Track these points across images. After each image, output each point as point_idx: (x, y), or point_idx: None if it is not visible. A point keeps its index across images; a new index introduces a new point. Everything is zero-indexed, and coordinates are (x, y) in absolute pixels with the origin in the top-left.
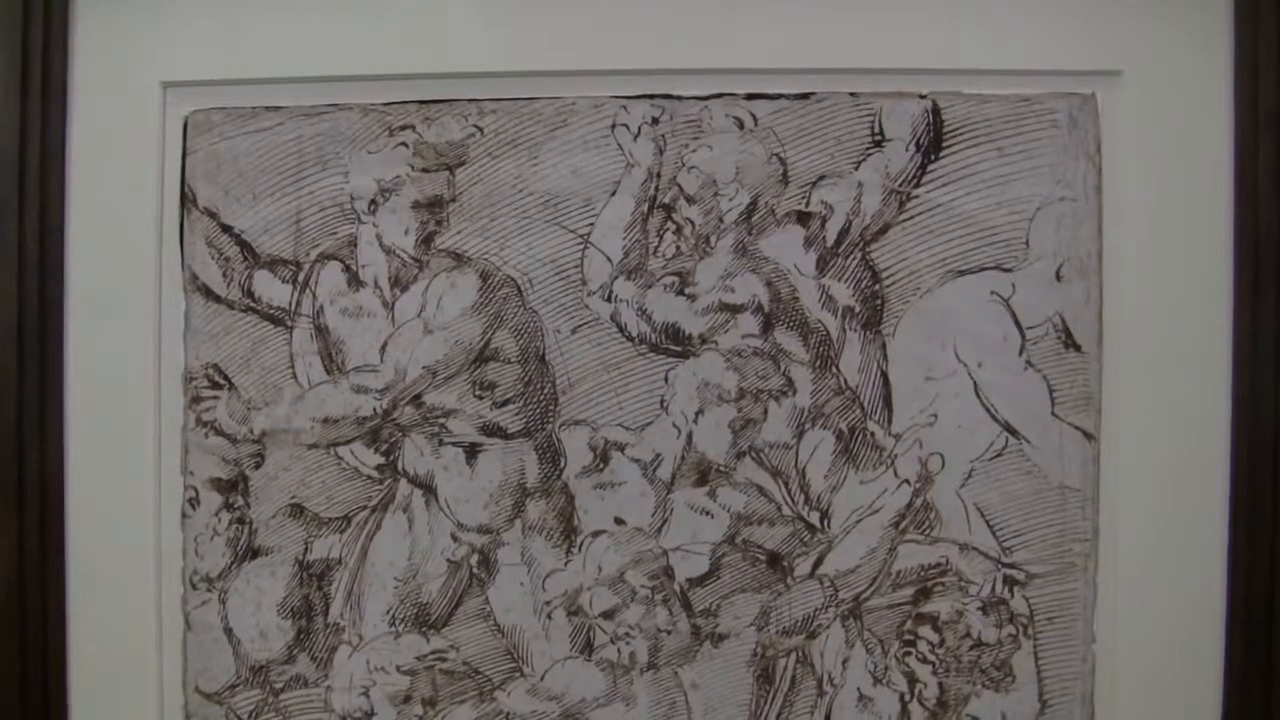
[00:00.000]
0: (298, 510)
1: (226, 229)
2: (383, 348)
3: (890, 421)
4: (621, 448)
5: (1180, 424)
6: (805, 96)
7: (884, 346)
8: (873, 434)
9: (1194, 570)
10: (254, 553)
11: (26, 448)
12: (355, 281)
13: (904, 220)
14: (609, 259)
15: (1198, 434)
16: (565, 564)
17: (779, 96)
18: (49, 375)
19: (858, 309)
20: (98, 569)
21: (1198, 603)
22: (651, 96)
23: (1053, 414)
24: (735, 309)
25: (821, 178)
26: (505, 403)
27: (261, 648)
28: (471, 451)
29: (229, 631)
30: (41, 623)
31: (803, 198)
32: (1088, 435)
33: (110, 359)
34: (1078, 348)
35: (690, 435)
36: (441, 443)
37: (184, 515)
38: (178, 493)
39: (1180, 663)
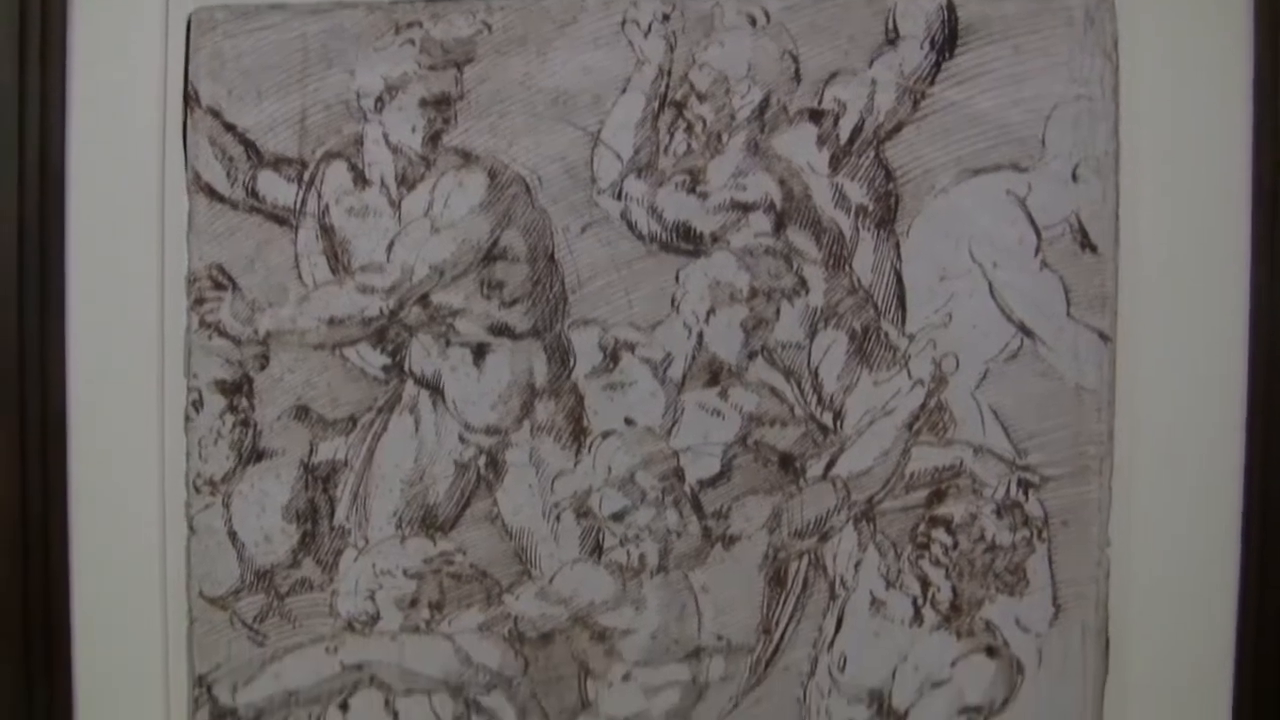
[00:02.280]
0: (303, 412)
1: (230, 128)
2: (389, 247)
3: (904, 322)
4: (632, 347)
5: (1197, 325)
6: None
7: (898, 246)
8: (886, 334)
9: (1210, 472)
10: (258, 455)
11: (28, 352)
12: (361, 180)
13: (918, 119)
14: (619, 157)
15: (1215, 334)
16: (574, 465)
17: None
18: (50, 279)
19: (871, 208)
20: (100, 475)
21: (1214, 505)
22: None
23: (1068, 315)
24: (747, 207)
25: (834, 75)
26: (514, 302)
27: (266, 552)
28: (479, 351)
29: (233, 535)
30: (44, 530)
31: (815, 95)
32: (1104, 336)
33: (112, 261)
34: (1094, 248)
35: (701, 335)
36: (449, 343)
37: (187, 418)
38: (181, 396)
39: (1196, 566)
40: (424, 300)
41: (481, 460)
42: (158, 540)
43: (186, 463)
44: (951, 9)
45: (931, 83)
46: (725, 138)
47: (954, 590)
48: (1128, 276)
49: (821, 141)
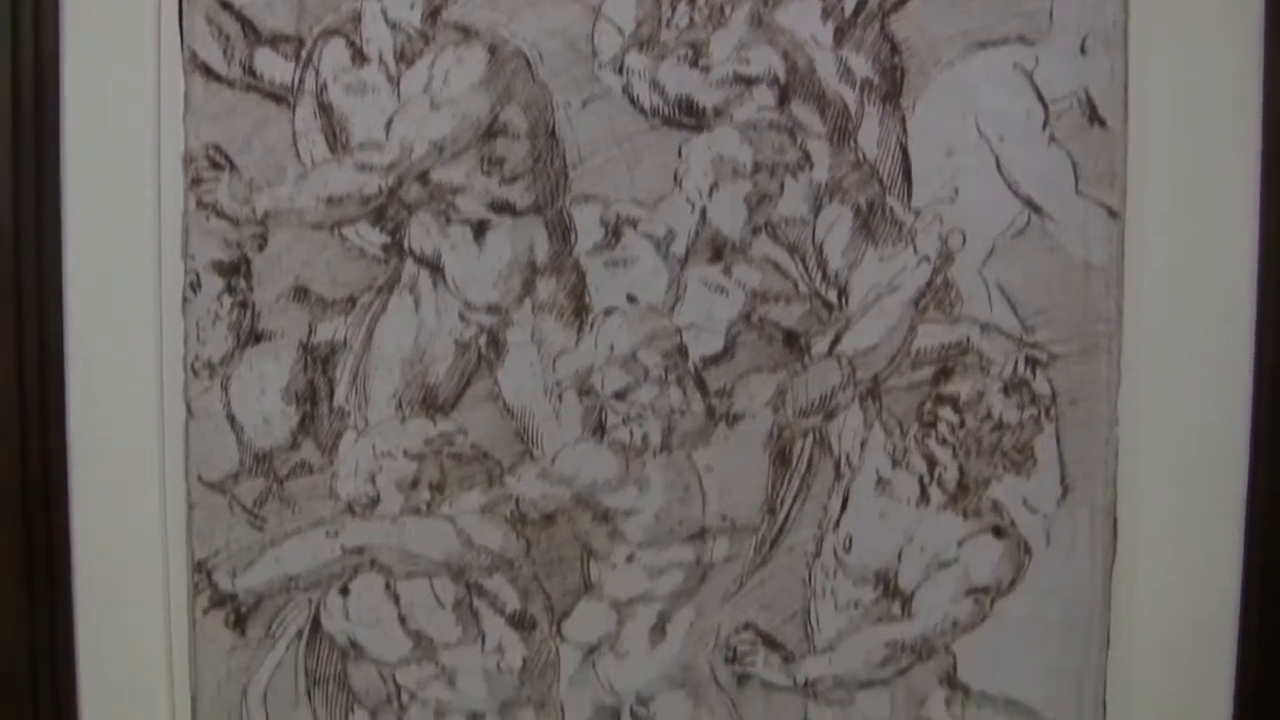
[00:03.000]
0: (302, 293)
1: (226, 6)
2: (388, 124)
3: (910, 197)
4: (634, 223)
5: (1207, 200)
6: None
7: (903, 120)
8: (892, 209)
9: (1220, 350)
10: (257, 337)
11: (23, 235)
12: (360, 57)
13: None
14: (620, 30)
15: (1224, 210)
16: (576, 343)
17: None
18: (44, 161)
19: (876, 82)
20: (97, 357)
21: (1224, 383)
22: None
23: (1076, 191)
24: (750, 81)
25: None
26: (514, 179)
27: (265, 434)
28: (480, 229)
29: (232, 419)
30: (41, 416)
31: None
32: (1112, 213)
33: (108, 143)
34: (1102, 123)
35: (704, 210)
36: (449, 220)
37: (185, 300)
38: (178, 278)
39: (1205, 444)
40: (423, 178)
41: (482, 339)
42: (156, 424)
43: (184, 346)
44: None
45: None
46: (728, 10)
47: (961, 469)
48: (1137, 152)
49: (826, 14)
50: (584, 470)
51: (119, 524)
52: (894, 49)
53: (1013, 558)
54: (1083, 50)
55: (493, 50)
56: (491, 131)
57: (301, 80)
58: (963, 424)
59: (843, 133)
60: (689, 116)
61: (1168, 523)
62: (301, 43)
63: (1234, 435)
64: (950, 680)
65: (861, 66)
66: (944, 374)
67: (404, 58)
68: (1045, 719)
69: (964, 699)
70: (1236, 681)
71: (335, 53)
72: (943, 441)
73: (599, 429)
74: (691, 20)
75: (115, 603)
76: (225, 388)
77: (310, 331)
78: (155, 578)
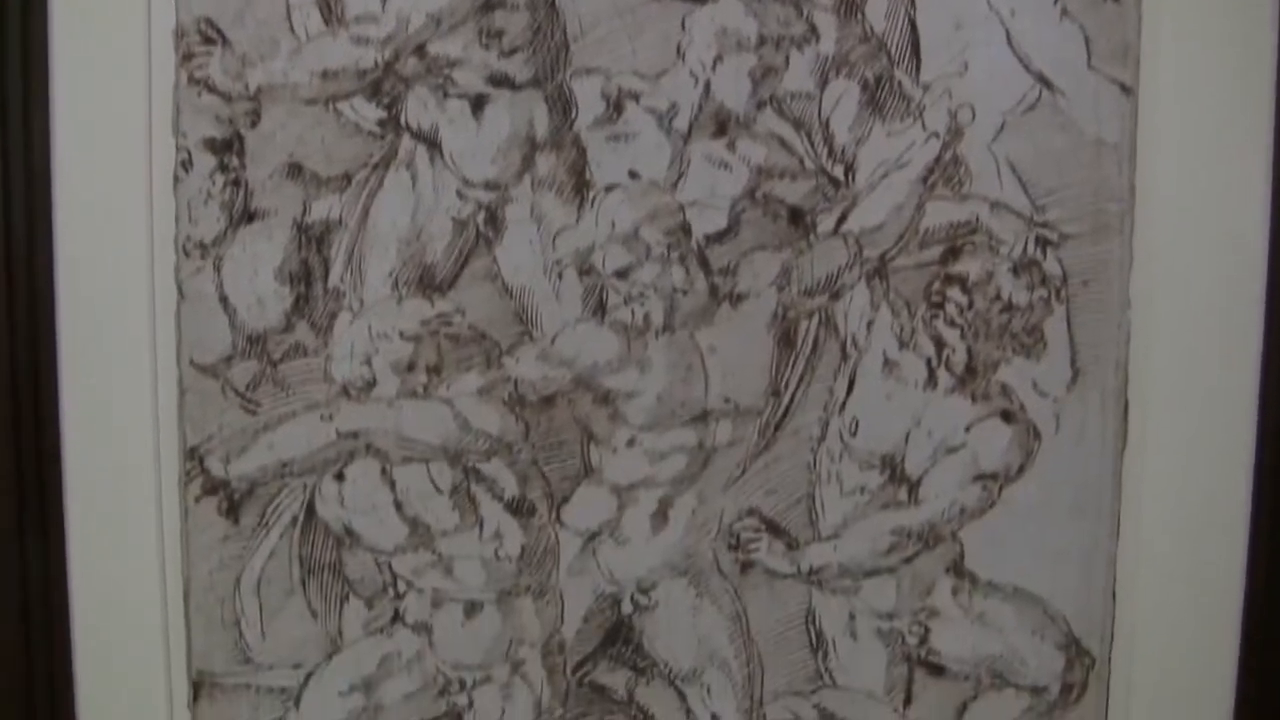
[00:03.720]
0: (296, 170)
1: None
2: None
3: (918, 71)
4: (636, 97)
5: (1222, 75)
6: None
7: None
8: (900, 84)
9: (1234, 228)
10: (250, 216)
11: (9, 106)
12: None
13: None
14: None
15: (1240, 84)
16: (576, 221)
17: None
18: (32, 37)
19: None
20: (86, 238)
21: (1238, 262)
22: None
23: (1089, 66)
24: None
25: None
26: (513, 51)
27: (258, 316)
28: (478, 103)
29: (224, 300)
30: (29, 296)
31: None
32: (1125, 88)
33: (96, 14)
34: None
35: (708, 84)
36: (446, 95)
37: (176, 179)
38: (169, 156)
39: (1218, 327)
40: (420, 51)
41: (480, 217)
42: (146, 307)
43: (175, 226)
44: None
45: None
46: None
47: (969, 352)
48: (1150, 25)
49: None
50: (584, 351)
51: (109, 410)
52: None
53: (1022, 443)
54: None
55: None
56: (490, 3)
57: None
58: (971, 305)
59: (850, 4)
60: None
61: (1179, 408)
62: None
63: (1248, 316)
64: (957, 568)
65: None
66: (952, 254)
67: None
68: (1053, 607)
69: (971, 587)
70: (1248, 567)
71: None
72: (951, 323)
73: (600, 309)
74: None
75: (105, 490)
76: (217, 269)
77: (305, 210)
78: (146, 465)
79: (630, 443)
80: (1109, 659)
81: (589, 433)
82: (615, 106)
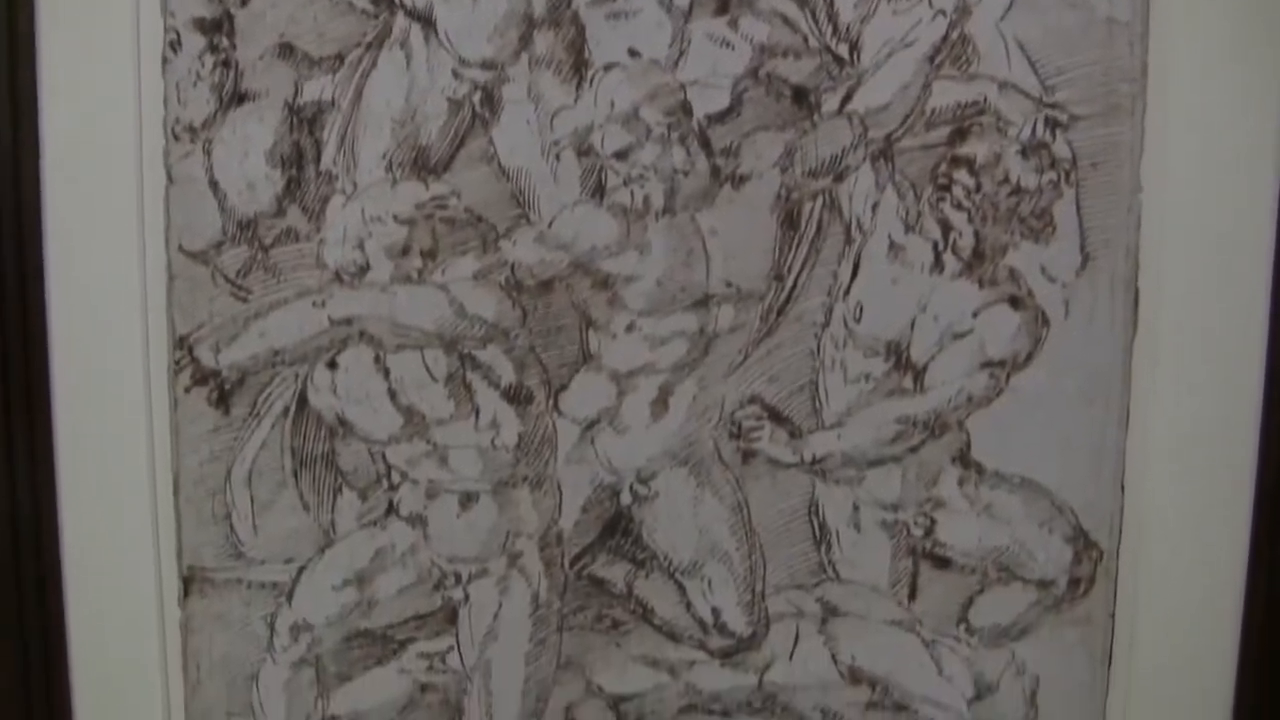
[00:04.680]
0: (287, 50)
1: None
2: None
3: None
4: None
5: None
6: None
7: None
8: None
9: (1250, 109)
10: (240, 98)
11: None
12: None
13: None
14: None
15: None
16: (575, 100)
17: None
18: None
19: None
20: (72, 121)
21: (1253, 145)
22: None
23: None
24: None
25: None
26: None
27: (249, 200)
28: None
29: (214, 184)
30: (15, 183)
31: None
32: None
33: None
34: None
35: None
36: None
37: (164, 61)
38: (157, 36)
39: (1232, 210)
40: None
41: (476, 96)
42: (134, 192)
43: (164, 108)
44: None
45: None
46: None
47: (976, 235)
48: None
49: None
50: (583, 234)
51: (97, 299)
52: None
53: (1030, 329)
54: None
55: None
56: None
57: None
58: (979, 188)
59: None
60: None
61: (1191, 294)
62: None
63: (1262, 198)
64: (964, 458)
65: None
66: (959, 135)
67: None
68: (1061, 499)
69: (977, 478)
70: (1259, 457)
71: None
72: (958, 206)
73: (598, 190)
74: None
75: (93, 382)
76: (207, 152)
77: (296, 91)
78: (135, 355)
79: (630, 328)
80: (1117, 552)
81: (587, 318)
82: None
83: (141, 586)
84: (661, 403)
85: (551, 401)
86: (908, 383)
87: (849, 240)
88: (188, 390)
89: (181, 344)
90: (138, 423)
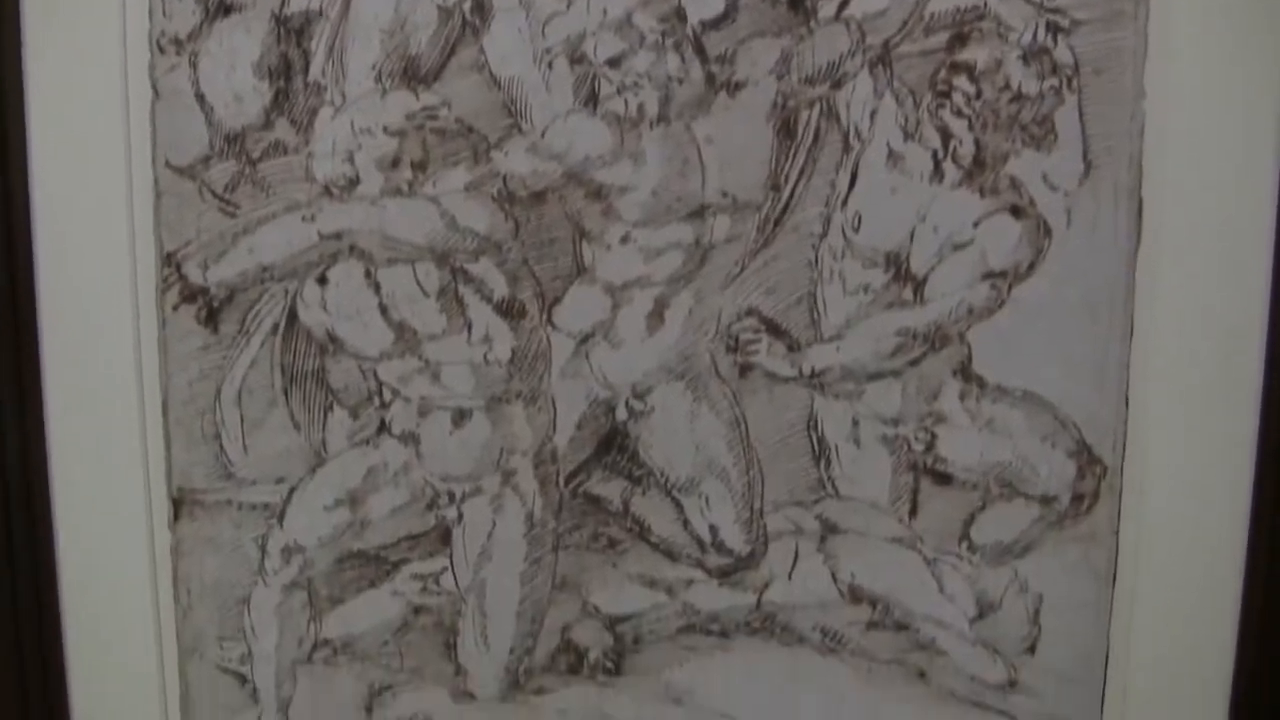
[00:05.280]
0: None
1: None
2: None
3: None
4: None
5: None
6: None
7: None
8: None
9: (1255, 14)
10: (226, 9)
11: None
12: None
13: None
14: None
15: None
16: (567, 7)
17: None
18: None
19: None
20: (56, 35)
21: (1257, 52)
22: None
23: None
24: None
25: None
26: None
27: (236, 113)
28: None
29: (201, 98)
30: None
31: None
32: None
33: None
34: None
35: None
36: None
37: None
38: None
39: (1238, 115)
40: None
41: (466, 4)
42: (119, 107)
43: (149, 20)
44: None
45: None
46: None
47: (977, 143)
48: None
49: None
50: (576, 144)
51: (83, 215)
52: None
53: (1031, 239)
54: None
55: None
56: None
57: None
58: (979, 94)
59: None
60: None
61: (1194, 204)
62: None
63: (1268, 103)
64: (965, 371)
65: None
66: (959, 40)
67: None
68: (1064, 413)
69: (979, 391)
70: (1265, 369)
71: None
72: (958, 113)
73: (592, 99)
74: None
75: (80, 299)
76: (193, 65)
77: (283, 1)
78: (122, 272)
79: (624, 239)
80: (1121, 468)
81: (581, 229)
82: None
83: (131, 510)
84: (657, 316)
85: (545, 315)
86: (907, 294)
87: (847, 149)
88: (176, 308)
89: (169, 261)
90: (125, 342)
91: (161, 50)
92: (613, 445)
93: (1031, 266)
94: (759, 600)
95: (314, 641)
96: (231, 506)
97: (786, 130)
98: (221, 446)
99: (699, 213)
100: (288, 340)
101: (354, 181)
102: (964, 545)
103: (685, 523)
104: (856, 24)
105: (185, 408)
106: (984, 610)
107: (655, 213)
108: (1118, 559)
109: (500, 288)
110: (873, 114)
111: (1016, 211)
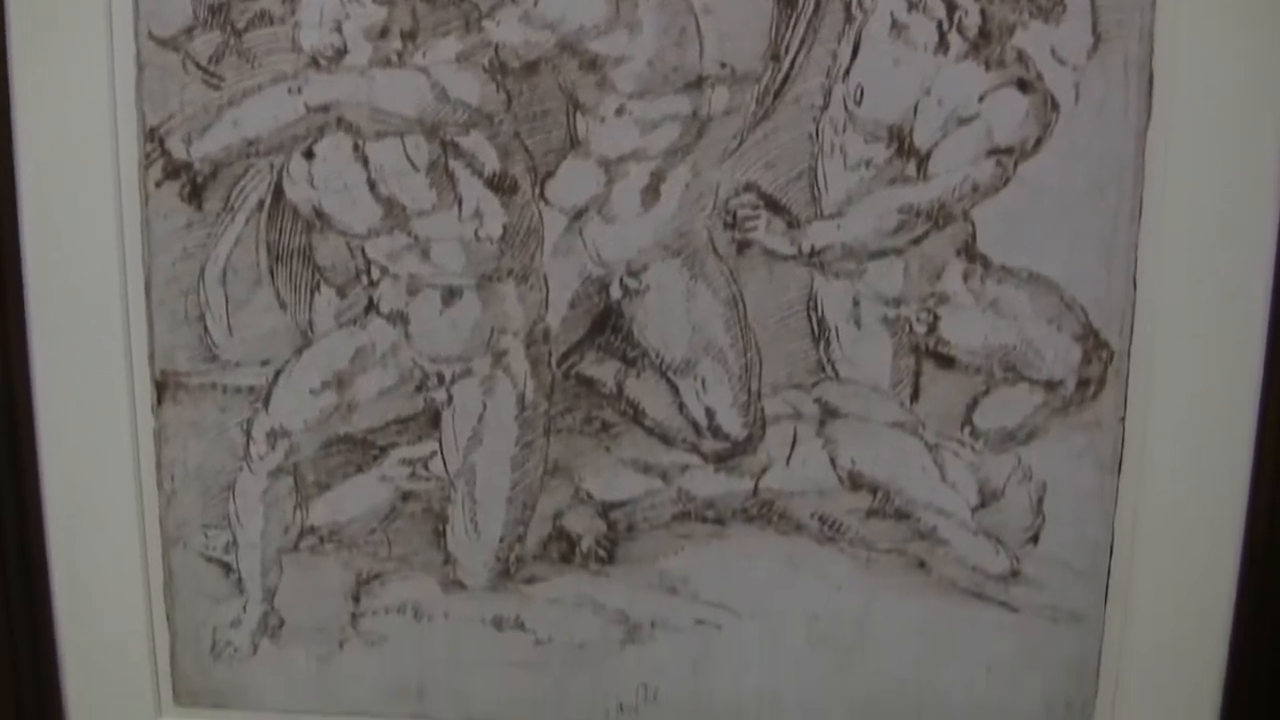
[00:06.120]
0: None
1: None
2: None
3: None
4: None
5: None
6: None
7: None
8: None
9: None
10: None
11: None
12: None
13: None
14: None
15: None
16: None
17: None
18: None
19: None
20: None
21: None
22: None
23: None
24: None
25: None
26: None
27: None
28: None
29: None
30: None
31: None
32: None
33: None
34: None
35: None
36: None
37: None
38: None
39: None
40: None
41: None
42: None
43: None
44: None
45: None
46: None
47: (983, 14)
48: None
49: None
50: (570, 12)
51: (63, 90)
52: None
53: (1038, 114)
54: None
55: None
56: None
57: None
58: None
59: None
60: None
61: (1208, 77)
62: None
63: None
64: (969, 251)
65: None
66: None
67: None
68: (1070, 295)
69: (983, 272)
70: (1279, 253)
71: None
72: None
73: None
74: None
75: (61, 175)
76: None
77: None
78: (103, 148)
79: (619, 111)
80: (1129, 353)
81: (575, 101)
82: None
83: (113, 394)
84: (653, 190)
85: (537, 190)
86: (910, 170)
87: (849, 19)
88: (159, 185)
89: (152, 136)
90: (107, 221)
91: None
92: (607, 325)
93: (1038, 143)
94: (756, 487)
95: (300, 529)
96: (216, 390)
97: None
98: (206, 328)
99: (696, 84)
100: (273, 217)
101: (341, 52)
102: (966, 431)
103: (681, 406)
104: None
105: (168, 288)
106: (986, 499)
107: (651, 84)
108: (1124, 447)
109: (491, 161)
110: None
111: (1023, 85)
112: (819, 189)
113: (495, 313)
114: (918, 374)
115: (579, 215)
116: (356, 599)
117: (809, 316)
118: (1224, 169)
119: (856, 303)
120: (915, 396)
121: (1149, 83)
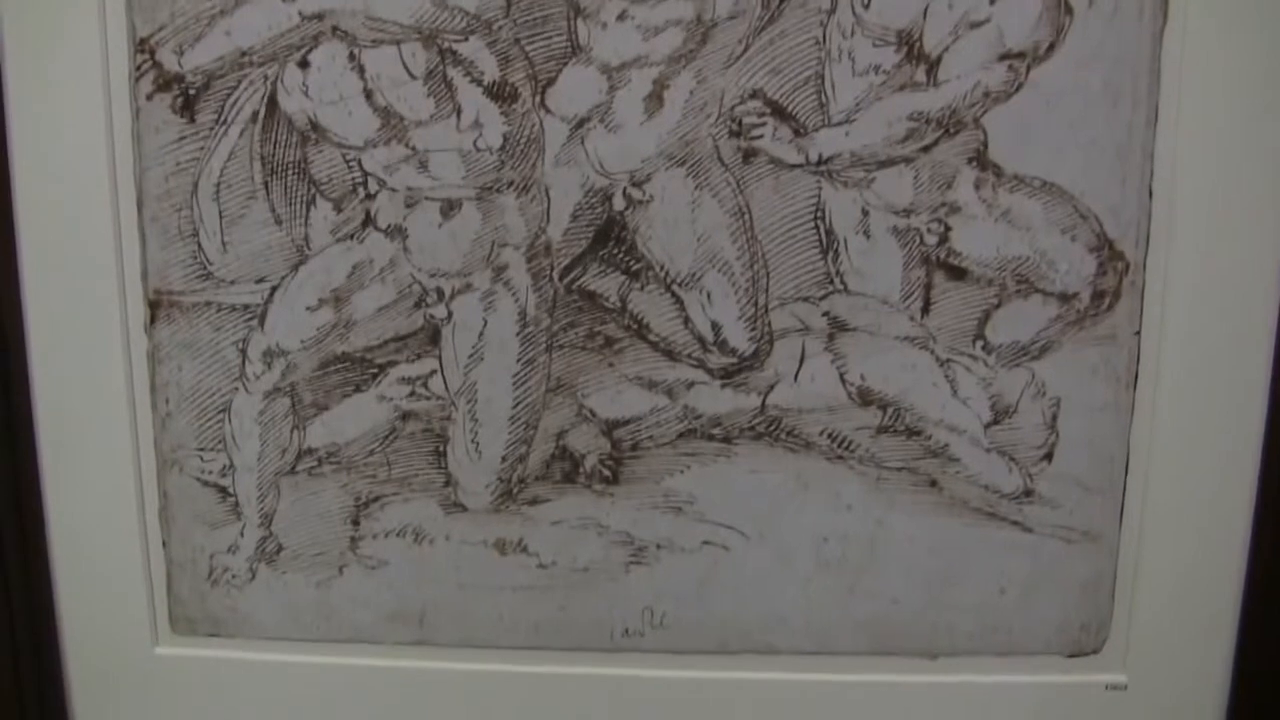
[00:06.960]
0: None
1: None
2: None
3: None
4: None
5: None
6: None
7: None
8: None
9: None
10: None
11: None
12: None
13: None
14: None
15: None
16: None
17: None
18: None
19: None
20: None
21: None
22: None
23: None
24: None
25: None
26: None
27: None
28: None
29: None
30: None
31: None
32: None
33: None
34: None
35: None
36: None
37: None
38: None
39: None
40: None
41: None
42: None
43: None
44: None
45: None
46: None
47: None
48: None
49: None
50: None
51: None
52: None
53: (1051, 18)
54: None
55: None
56: None
57: None
58: None
59: None
60: None
61: None
62: None
63: None
64: (980, 159)
65: None
66: None
67: None
68: (1084, 205)
69: (995, 180)
70: None
71: None
72: None
73: None
74: None
75: (48, 87)
76: None
77: None
78: (93, 60)
79: (621, 16)
80: (1144, 264)
81: (575, 6)
82: None
83: (106, 313)
84: (656, 98)
85: (538, 98)
86: (920, 75)
87: None
88: (150, 97)
89: (142, 47)
90: (97, 134)
91: None
92: (609, 237)
93: (1051, 47)
94: (763, 403)
95: (298, 451)
96: (210, 309)
97: None
98: (199, 244)
99: None
100: (268, 129)
101: None
102: (979, 345)
103: (686, 320)
104: None
105: (161, 203)
106: (999, 415)
107: None
108: (1139, 361)
109: (491, 69)
110: None
111: None
112: (826, 95)
113: (495, 225)
114: (928, 286)
115: (581, 124)
116: (356, 523)
117: (817, 227)
118: (1242, 72)
119: (865, 213)
120: (926, 309)
121: None
